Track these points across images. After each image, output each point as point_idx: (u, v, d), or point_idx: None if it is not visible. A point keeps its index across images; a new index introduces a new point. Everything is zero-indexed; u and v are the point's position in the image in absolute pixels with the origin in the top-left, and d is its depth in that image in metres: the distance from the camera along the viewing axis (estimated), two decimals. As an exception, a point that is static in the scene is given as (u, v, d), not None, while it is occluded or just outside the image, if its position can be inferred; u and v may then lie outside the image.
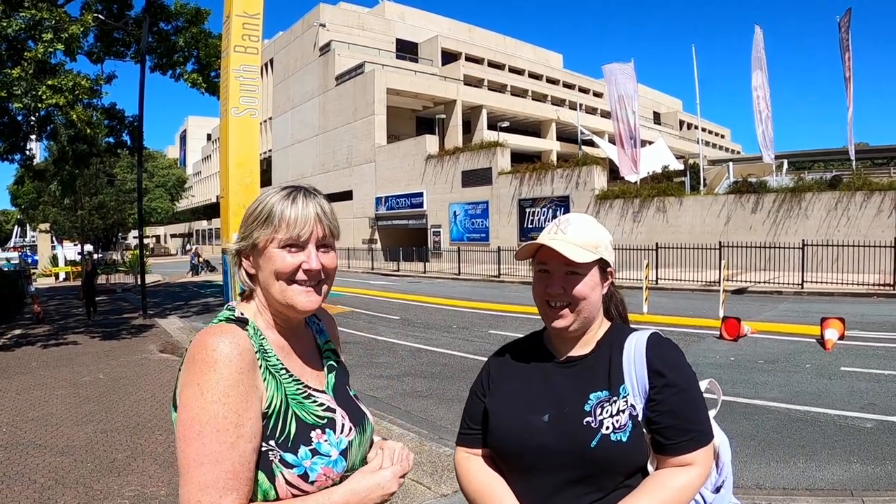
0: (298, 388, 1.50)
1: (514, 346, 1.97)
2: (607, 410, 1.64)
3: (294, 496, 1.40)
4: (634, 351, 1.71)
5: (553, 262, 1.74)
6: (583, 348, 1.79)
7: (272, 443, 1.39)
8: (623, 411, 1.64)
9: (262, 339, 1.49)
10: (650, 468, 1.67)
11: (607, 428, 1.62)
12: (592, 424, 1.63)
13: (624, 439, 1.61)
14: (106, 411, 8.26)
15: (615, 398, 1.66)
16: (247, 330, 1.46)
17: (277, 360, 1.49)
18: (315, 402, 1.51)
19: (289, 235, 1.47)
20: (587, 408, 1.66)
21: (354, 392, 1.73)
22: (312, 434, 1.44)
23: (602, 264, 1.79)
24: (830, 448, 6.33)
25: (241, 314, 1.52)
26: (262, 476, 1.38)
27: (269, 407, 1.41)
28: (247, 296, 1.59)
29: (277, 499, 1.39)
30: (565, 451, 1.64)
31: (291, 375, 1.50)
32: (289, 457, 1.39)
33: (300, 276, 1.49)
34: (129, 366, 11.36)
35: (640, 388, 1.66)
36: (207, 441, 1.30)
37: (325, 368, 1.67)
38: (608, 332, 1.83)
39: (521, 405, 1.75)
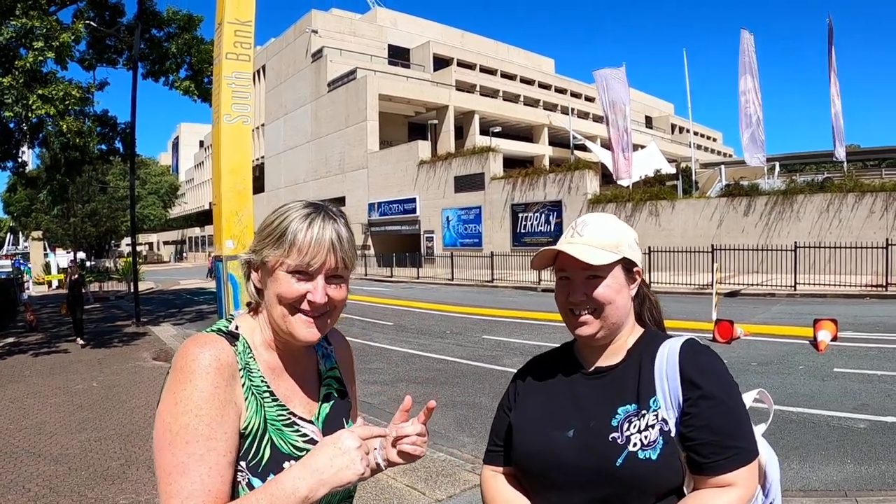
0: (281, 414, 1.42)
1: (542, 357, 1.86)
2: (635, 426, 1.52)
3: None
4: (667, 360, 1.57)
5: (571, 267, 1.64)
6: (612, 358, 1.67)
7: (243, 464, 1.33)
8: (653, 426, 1.51)
9: (251, 357, 1.43)
10: (686, 491, 1.52)
11: (635, 445, 1.50)
12: (619, 441, 1.51)
13: (653, 457, 1.48)
14: (100, 419, 8.24)
15: (644, 412, 1.53)
16: (236, 345, 1.40)
17: (262, 381, 1.42)
18: (297, 431, 1.43)
19: (298, 262, 1.37)
20: (614, 423, 1.55)
21: (351, 426, 1.50)
22: (285, 465, 1.34)
23: (626, 264, 1.68)
24: (824, 449, 6.36)
25: (236, 328, 1.46)
26: None
27: (246, 427, 1.35)
28: (253, 308, 1.53)
29: None
30: (589, 469, 1.53)
31: (276, 400, 1.43)
32: (256, 482, 1.32)
33: (304, 305, 1.40)
34: (123, 373, 11.33)
35: (672, 400, 1.53)
36: (177, 451, 1.25)
37: (322, 397, 1.57)
38: (640, 339, 1.69)
39: (546, 420, 1.66)
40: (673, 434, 1.50)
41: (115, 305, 26.66)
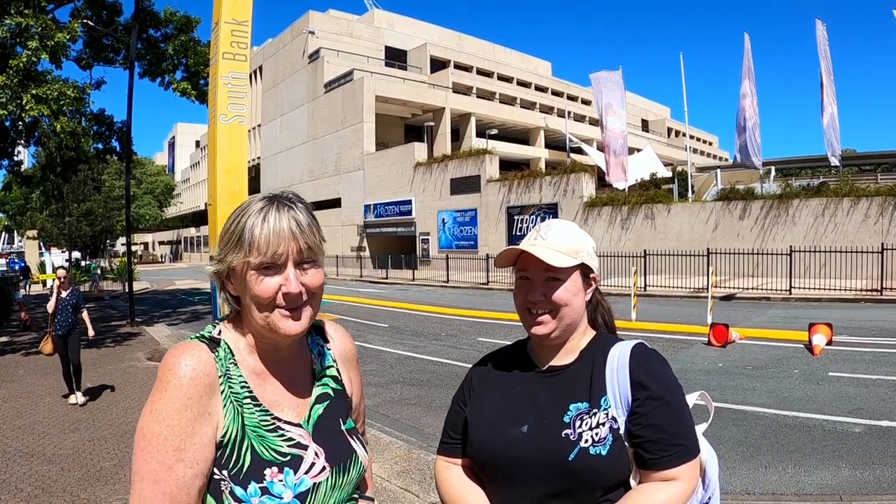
0: (264, 420, 1.41)
1: (497, 354, 1.92)
2: (587, 423, 1.59)
3: None
4: (618, 362, 1.65)
5: (533, 268, 1.71)
6: (565, 357, 1.74)
7: (224, 472, 1.33)
8: (603, 424, 1.58)
9: (232, 363, 1.42)
10: (633, 483, 1.61)
11: (586, 441, 1.57)
12: (571, 437, 1.58)
13: (603, 453, 1.55)
14: (93, 419, 8.22)
15: (595, 410, 1.61)
16: (217, 352, 1.40)
17: (243, 386, 1.41)
18: (282, 435, 1.41)
19: (261, 259, 1.36)
20: (566, 419, 1.61)
21: (350, 425, 1.58)
22: (267, 471, 1.35)
23: (584, 270, 1.75)
24: (819, 453, 6.36)
25: (219, 333, 1.45)
26: (212, 502, 1.34)
27: (224, 436, 1.35)
28: (234, 315, 1.50)
29: None
30: (543, 464, 1.59)
31: (259, 405, 1.42)
32: (238, 491, 1.32)
33: (279, 300, 1.38)
34: (117, 374, 11.30)
35: (622, 400, 1.61)
36: (149, 459, 1.27)
37: (314, 398, 1.54)
38: (592, 341, 1.77)
39: (501, 416, 1.71)
40: (622, 432, 1.59)
41: (109, 305, 26.63)
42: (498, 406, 1.74)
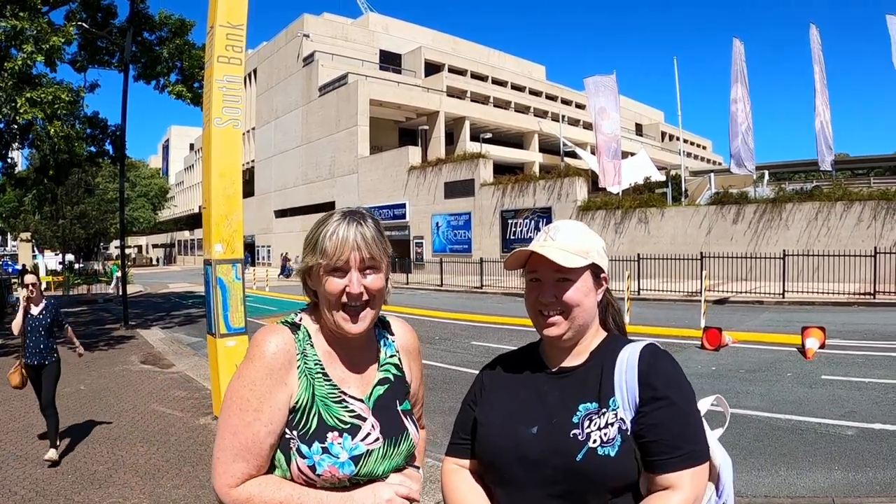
0: (331, 392, 1.67)
1: (508, 356, 1.92)
2: (595, 423, 1.59)
3: (303, 482, 1.59)
4: (627, 362, 1.64)
5: (543, 269, 1.71)
6: (576, 359, 1.74)
7: (294, 433, 1.60)
8: (612, 424, 1.57)
9: (309, 343, 1.70)
10: (641, 488, 1.60)
11: (594, 441, 1.56)
12: (579, 437, 1.58)
13: (612, 454, 1.54)
14: (87, 423, 8.20)
15: (604, 410, 1.60)
16: (297, 334, 1.69)
17: (317, 363, 1.68)
18: (346, 407, 1.67)
19: (328, 262, 1.63)
20: (575, 420, 1.61)
21: (407, 406, 1.83)
22: (329, 434, 1.61)
23: (595, 270, 1.75)
24: (812, 456, 6.39)
25: (300, 320, 1.75)
26: (281, 458, 1.61)
27: (296, 403, 1.62)
28: (313, 306, 1.77)
29: (291, 479, 1.60)
30: (551, 465, 1.58)
31: (329, 380, 1.68)
32: (303, 448, 1.58)
33: (344, 298, 1.65)
34: (111, 377, 11.28)
35: (630, 401, 1.59)
36: (232, 415, 1.58)
37: (377, 381, 1.79)
38: (603, 342, 1.77)
39: (511, 416, 1.71)
40: (630, 433, 1.58)
41: (103, 308, 26.51)
42: (508, 407, 1.74)
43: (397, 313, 15.50)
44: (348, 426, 1.64)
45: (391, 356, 1.86)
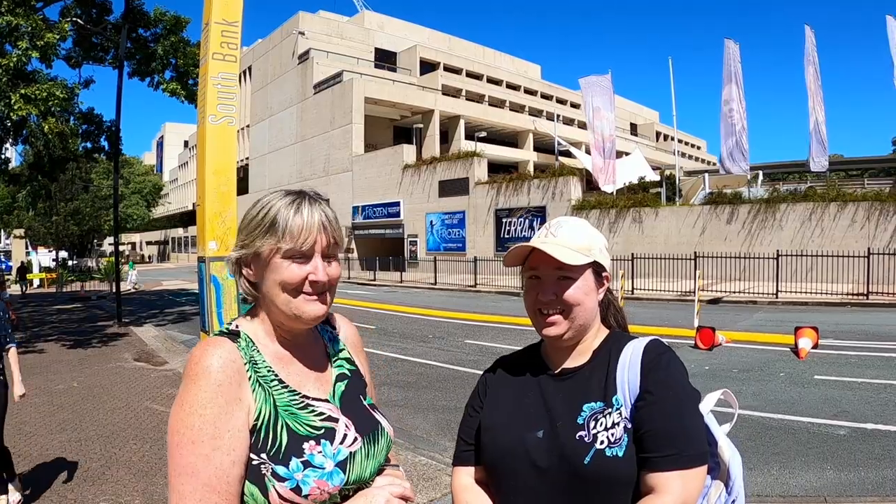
0: (293, 399, 1.46)
1: (509, 359, 1.86)
2: (602, 423, 1.53)
3: None
4: (630, 359, 1.59)
5: (544, 266, 1.64)
6: (578, 359, 1.68)
7: (263, 455, 1.36)
8: (618, 424, 1.51)
9: (255, 350, 1.47)
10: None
11: (602, 442, 1.50)
12: (586, 439, 1.52)
13: (620, 454, 1.48)
14: (80, 420, 8.17)
15: (609, 410, 1.54)
16: (238, 342, 1.46)
17: (269, 370, 1.47)
18: (313, 411, 1.47)
19: (292, 246, 1.44)
20: (580, 420, 1.55)
21: (370, 401, 1.66)
22: (305, 445, 1.40)
23: (596, 268, 1.69)
24: (804, 455, 6.41)
25: (236, 326, 1.52)
26: (255, 490, 1.35)
27: (257, 419, 1.39)
28: (252, 305, 1.58)
29: None
30: (558, 469, 1.53)
31: (286, 386, 1.47)
32: (280, 469, 1.35)
33: (306, 287, 1.46)
34: (104, 374, 11.24)
35: (631, 397, 1.54)
36: (185, 452, 1.30)
37: (335, 377, 1.62)
38: (606, 339, 1.71)
39: (514, 420, 1.65)
40: (630, 429, 1.52)
41: (96, 305, 26.45)
42: (511, 411, 1.69)
43: (391, 311, 15.49)
44: (322, 431, 1.45)
45: (340, 350, 1.71)
